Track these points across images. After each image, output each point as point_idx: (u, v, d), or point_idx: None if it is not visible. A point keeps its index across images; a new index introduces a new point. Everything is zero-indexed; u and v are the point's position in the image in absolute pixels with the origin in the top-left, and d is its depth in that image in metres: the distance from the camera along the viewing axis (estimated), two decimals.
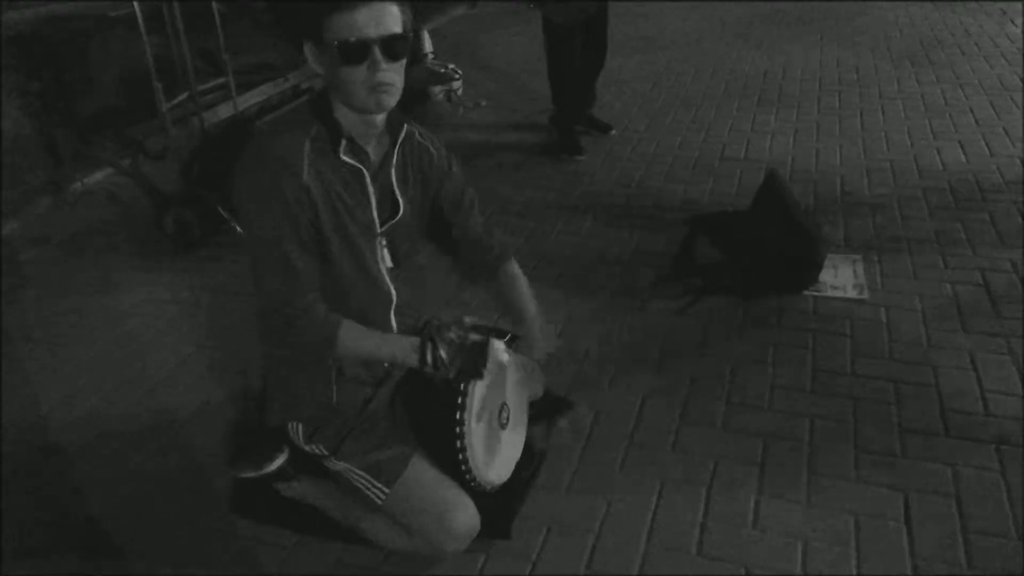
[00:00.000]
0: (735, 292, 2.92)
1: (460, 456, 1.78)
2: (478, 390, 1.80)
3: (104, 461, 2.33)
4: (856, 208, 3.51)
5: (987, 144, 4.06)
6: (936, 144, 4.11)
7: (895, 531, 1.93)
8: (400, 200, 1.76)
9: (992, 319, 2.70)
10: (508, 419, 1.95)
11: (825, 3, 7.13)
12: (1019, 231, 3.23)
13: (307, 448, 1.88)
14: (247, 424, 2.40)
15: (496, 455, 1.89)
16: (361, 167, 1.67)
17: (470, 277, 2.07)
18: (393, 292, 1.85)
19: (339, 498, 1.97)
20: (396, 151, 1.72)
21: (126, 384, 2.66)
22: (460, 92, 5.14)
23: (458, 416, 1.77)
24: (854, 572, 1.84)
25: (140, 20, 3.92)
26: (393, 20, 1.52)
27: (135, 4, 3.90)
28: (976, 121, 4.36)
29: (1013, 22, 6.21)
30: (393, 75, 1.54)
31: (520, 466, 2.02)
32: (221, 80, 4.73)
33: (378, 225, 1.75)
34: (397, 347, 1.73)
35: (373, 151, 1.69)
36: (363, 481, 1.82)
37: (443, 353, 1.69)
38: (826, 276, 2.96)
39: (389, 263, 1.81)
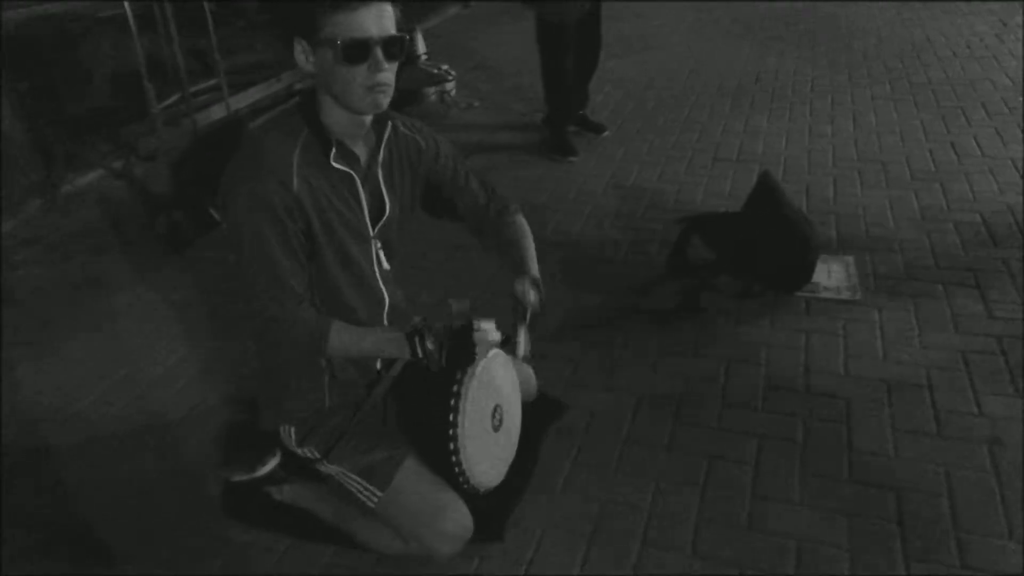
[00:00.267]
0: (728, 293, 2.92)
1: (453, 458, 1.77)
2: (472, 392, 1.79)
3: (95, 463, 2.32)
4: (849, 209, 3.51)
5: (978, 144, 4.08)
6: (928, 145, 4.12)
7: (888, 531, 1.94)
8: (387, 199, 1.75)
9: (984, 319, 2.71)
10: (501, 421, 1.94)
11: (819, 5, 7.15)
12: (1012, 233, 3.24)
13: (299, 451, 1.87)
14: (239, 427, 2.39)
15: (489, 457, 1.88)
16: (351, 172, 1.66)
17: (485, 244, 2.02)
18: (386, 295, 1.85)
19: (331, 501, 1.96)
20: (383, 149, 1.72)
21: (117, 386, 2.64)
22: (453, 93, 5.14)
23: (451, 418, 1.76)
24: (847, 572, 1.84)
25: (131, 20, 3.91)
26: (390, 21, 1.52)
27: (126, 4, 3.88)
28: (968, 122, 4.38)
29: (1004, 23, 6.23)
30: (390, 75, 1.54)
31: (514, 468, 2.01)
32: (213, 81, 4.71)
33: (371, 229, 1.74)
34: (388, 342, 1.70)
35: (361, 152, 1.69)
36: (356, 484, 1.82)
37: (430, 343, 1.66)
38: (819, 277, 2.96)
39: (386, 265, 1.81)
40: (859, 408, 2.34)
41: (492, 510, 1.92)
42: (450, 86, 5.09)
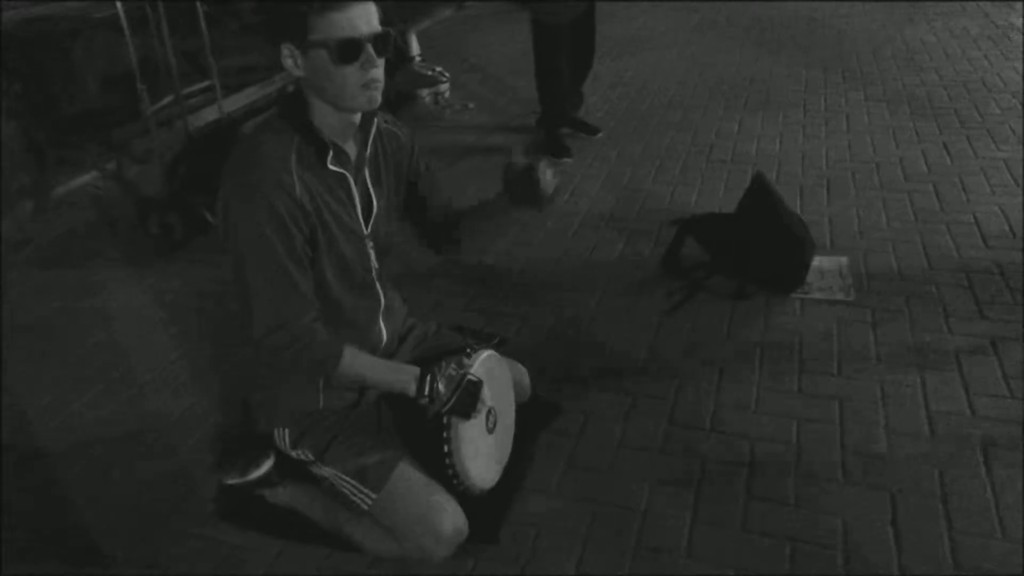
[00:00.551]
0: (722, 294, 2.93)
1: (447, 460, 1.77)
2: None
3: (88, 466, 2.31)
4: (843, 210, 3.52)
5: (971, 146, 4.09)
6: (921, 147, 4.13)
7: (882, 531, 1.94)
8: (373, 196, 1.76)
9: (977, 320, 2.71)
10: (495, 423, 1.94)
11: (811, 6, 7.17)
12: (1004, 234, 3.25)
13: (293, 454, 1.87)
14: (233, 430, 2.38)
15: (484, 458, 1.89)
16: (345, 172, 1.67)
17: (437, 247, 2.04)
18: (382, 295, 1.85)
19: (325, 504, 1.95)
20: (370, 145, 1.72)
21: (110, 389, 2.63)
22: (447, 95, 5.13)
23: (445, 420, 1.77)
24: (841, 572, 1.85)
25: (124, 21, 3.89)
26: (376, 17, 1.53)
27: (118, 5, 3.87)
28: (961, 124, 4.39)
29: (996, 25, 6.26)
30: (381, 71, 1.55)
31: (508, 469, 2.01)
32: (207, 83, 4.70)
33: (364, 228, 1.74)
34: (396, 376, 1.75)
35: (351, 151, 1.70)
36: (350, 486, 1.81)
37: (441, 387, 1.72)
38: (813, 278, 2.97)
39: (376, 264, 1.81)
40: (853, 409, 2.35)
41: (487, 511, 1.92)
42: (444, 88, 5.08)
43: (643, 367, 2.60)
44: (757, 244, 2.91)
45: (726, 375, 2.53)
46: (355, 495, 1.81)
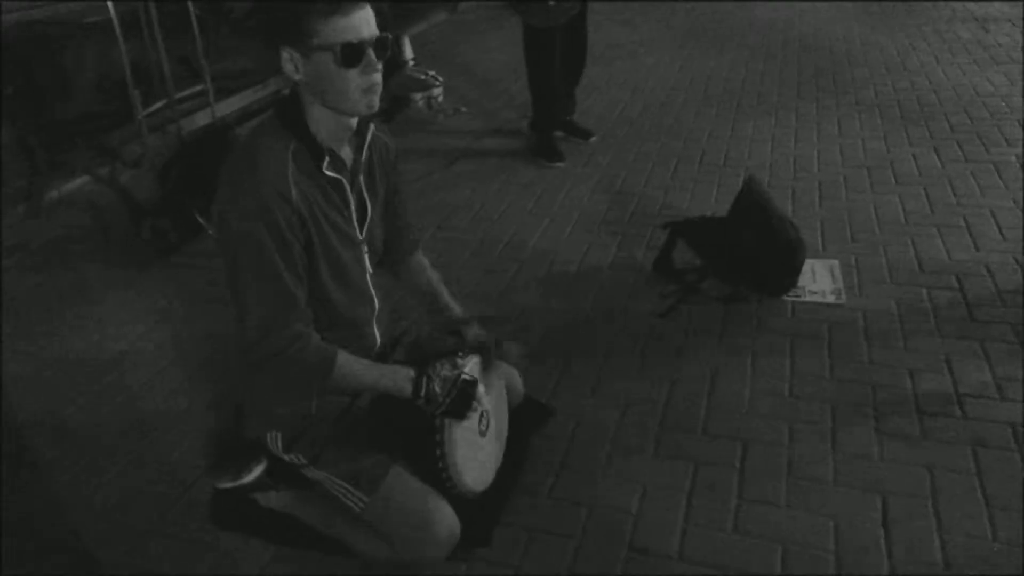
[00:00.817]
0: (714, 297, 2.94)
1: (440, 463, 1.78)
2: None
3: (81, 470, 2.30)
4: (834, 213, 3.54)
5: (961, 149, 4.12)
6: (912, 150, 4.15)
7: (873, 532, 1.95)
8: (367, 201, 1.77)
9: (967, 322, 2.73)
10: (488, 426, 1.94)
11: (804, 14, 7.20)
12: (994, 237, 3.27)
13: (286, 458, 1.87)
14: (225, 434, 2.38)
15: (476, 462, 1.89)
16: (341, 178, 1.67)
17: (385, 264, 2.02)
18: (376, 299, 1.86)
19: (318, 508, 1.96)
20: (365, 150, 1.73)
21: (102, 393, 2.63)
22: (440, 98, 5.14)
23: (437, 423, 1.77)
24: (832, 574, 1.85)
25: (116, 25, 3.89)
26: (375, 22, 1.55)
27: (111, 9, 3.86)
28: (951, 127, 4.42)
29: (986, 30, 6.30)
30: (380, 75, 1.57)
31: (500, 473, 2.01)
32: (199, 87, 4.70)
33: (359, 232, 1.75)
34: (391, 379, 1.74)
35: (346, 156, 1.70)
36: (342, 490, 1.81)
37: (437, 388, 1.72)
38: (805, 281, 2.98)
39: (370, 269, 1.82)
40: (844, 411, 2.36)
41: (479, 515, 1.92)
42: (437, 92, 5.09)
43: (635, 370, 2.60)
44: (749, 247, 2.92)
45: (718, 378, 2.54)
46: (348, 498, 1.81)
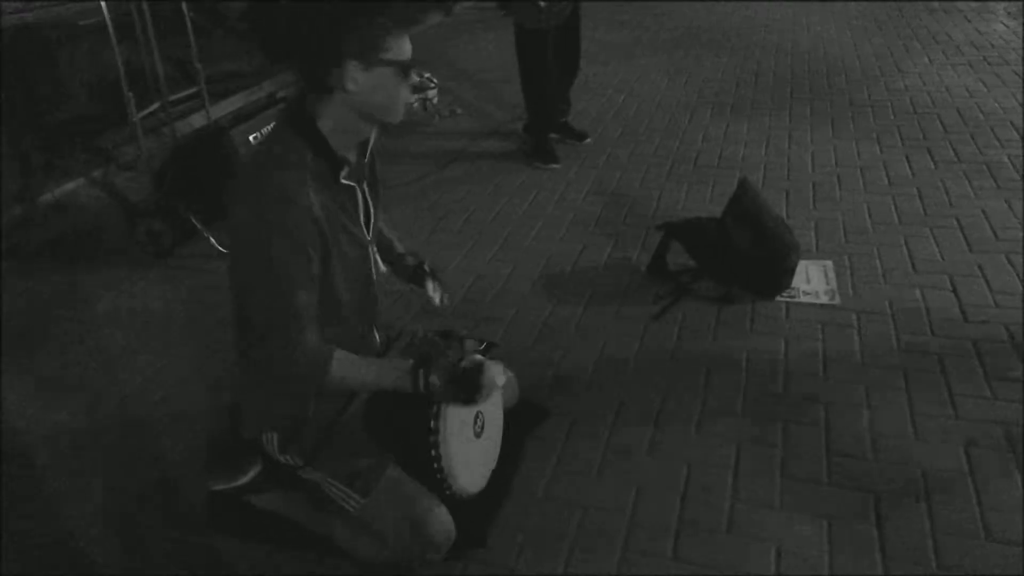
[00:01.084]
0: (709, 298, 2.95)
1: (435, 465, 1.78)
2: None
3: (75, 473, 2.30)
4: (828, 214, 3.55)
5: (954, 150, 4.13)
6: (905, 151, 4.17)
7: (866, 533, 1.95)
8: (371, 203, 1.78)
9: (960, 323, 2.74)
10: (483, 427, 1.95)
11: (796, 9, 7.22)
12: (987, 237, 3.28)
13: (281, 458, 1.87)
14: (220, 436, 2.37)
15: (471, 463, 1.89)
16: (355, 185, 1.69)
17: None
18: (378, 300, 1.87)
19: (313, 509, 1.95)
20: (367, 156, 1.74)
21: (97, 396, 2.62)
22: (435, 100, 5.15)
23: (432, 424, 1.77)
24: (826, 573, 1.86)
25: (110, 28, 3.88)
26: None
27: (104, 10, 3.85)
28: (944, 128, 4.43)
29: (979, 31, 6.32)
30: None
31: (496, 474, 2.01)
32: (194, 89, 4.69)
33: (367, 235, 1.77)
34: (389, 375, 1.69)
35: (353, 162, 1.71)
36: (338, 491, 1.81)
37: (436, 379, 1.67)
38: (798, 282, 2.99)
39: (382, 268, 1.84)
40: (838, 411, 2.37)
41: (474, 516, 1.92)
42: (432, 94, 5.10)
43: (630, 371, 2.61)
44: (743, 249, 2.93)
45: (712, 379, 2.54)
46: (343, 499, 1.81)
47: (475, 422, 1.91)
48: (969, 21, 6.63)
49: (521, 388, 2.26)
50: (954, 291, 2.91)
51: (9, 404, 2.61)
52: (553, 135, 4.44)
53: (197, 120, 4.71)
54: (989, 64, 5.48)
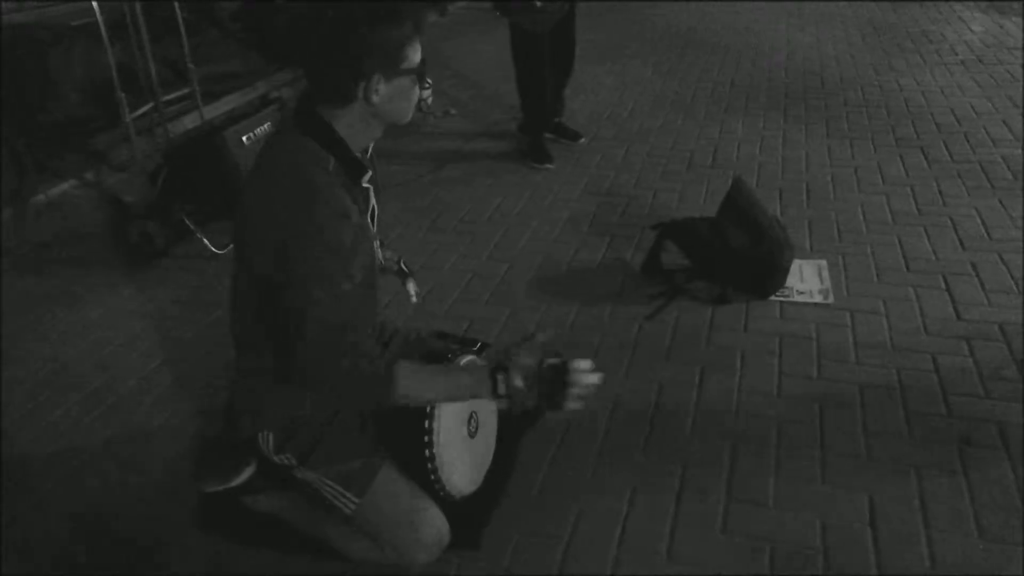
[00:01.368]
0: (703, 298, 2.95)
1: (429, 465, 1.78)
2: None
3: (68, 475, 2.29)
4: (822, 213, 3.55)
5: (948, 150, 4.14)
6: (899, 151, 4.18)
7: (861, 533, 1.96)
8: (374, 200, 1.79)
9: (953, 322, 2.75)
10: (477, 428, 1.94)
11: (791, 8, 7.23)
12: (980, 236, 3.29)
13: (276, 458, 1.86)
14: (214, 437, 2.36)
15: (466, 464, 1.89)
16: (370, 186, 1.72)
17: None
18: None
19: (308, 510, 1.95)
20: (369, 152, 1.75)
21: (89, 398, 2.61)
22: (430, 101, 5.14)
23: (426, 425, 1.77)
24: (820, 573, 1.86)
25: (103, 28, 3.87)
26: None
27: (96, 11, 3.84)
28: (937, 128, 4.44)
29: (972, 30, 6.34)
30: None
31: (490, 475, 2.01)
32: (187, 90, 4.68)
33: (374, 229, 1.78)
34: (461, 381, 1.64)
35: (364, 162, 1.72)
36: (332, 491, 1.81)
37: (519, 382, 1.57)
38: (792, 281, 2.99)
39: (381, 259, 1.85)
40: (831, 411, 2.37)
41: (469, 517, 1.92)
42: (427, 94, 5.09)
43: (624, 371, 2.61)
44: (737, 248, 2.93)
45: (706, 379, 2.54)
46: (338, 500, 1.80)
47: (469, 422, 1.91)
48: (962, 20, 6.65)
49: None
50: (948, 290, 2.92)
51: (4, 405, 2.60)
52: (547, 135, 4.44)
53: (190, 121, 4.70)
54: (983, 63, 5.50)
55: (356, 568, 1.91)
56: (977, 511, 1.99)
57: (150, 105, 4.45)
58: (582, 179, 4.08)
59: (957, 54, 5.77)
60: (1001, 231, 3.30)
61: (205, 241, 3.40)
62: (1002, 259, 3.09)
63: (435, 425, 1.77)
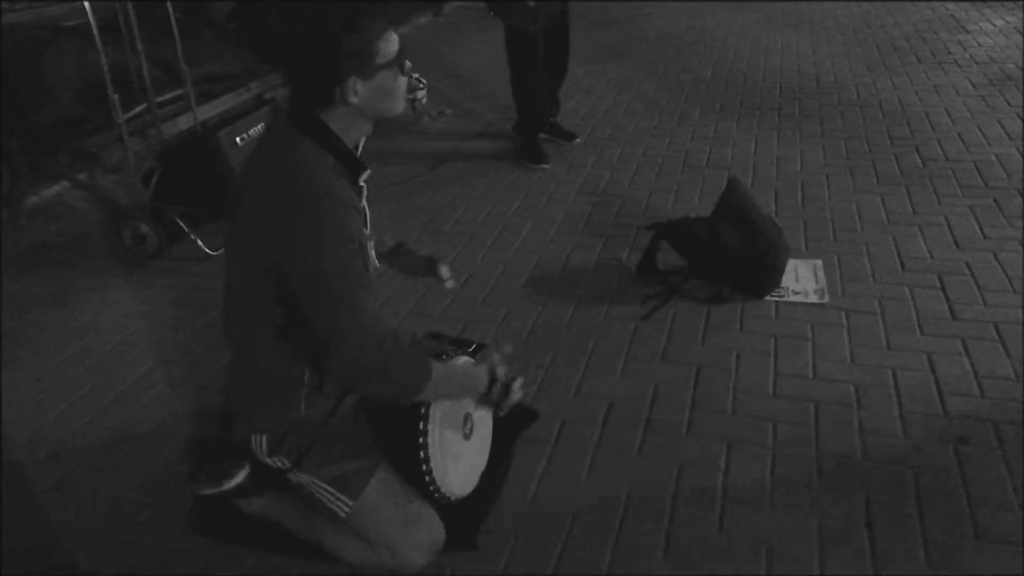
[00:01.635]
0: (698, 298, 2.94)
1: (424, 467, 1.77)
2: (440, 401, 1.78)
3: (62, 477, 2.28)
4: (817, 213, 3.55)
5: (943, 149, 4.14)
6: (894, 150, 4.18)
7: (857, 533, 1.95)
8: (365, 200, 1.78)
9: (948, 321, 2.75)
10: (472, 429, 1.94)
11: (786, 8, 7.24)
12: (975, 236, 3.29)
13: (270, 461, 1.85)
14: (207, 440, 2.36)
15: (460, 466, 1.88)
16: (364, 184, 1.71)
17: None
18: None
19: (301, 513, 1.94)
20: (359, 151, 1.74)
21: (84, 400, 2.60)
22: (425, 101, 5.13)
23: (421, 427, 1.76)
24: (817, 574, 1.86)
25: (95, 29, 3.85)
26: None
27: (88, 11, 3.82)
28: (932, 127, 4.45)
29: (966, 30, 6.35)
30: None
31: (485, 476, 2.00)
32: (180, 91, 4.66)
33: (368, 228, 1.77)
34: (470, 374, 1.79)
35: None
36: (327, 494, 1.80)
37: (501, 376, 1.77)
38: (788, 281, 2.99)
39: (377, 264, 1.84)
40: (827, 411, 2.37)
41: (464, 519, 1.91)
42: (421, 94, 5.08)
43: (619, 371, 2.60)
44: (732, 248, 2.93)
45: (702, 379, 2.54)
46: (332, 503, 1.79)
47: (464, 423, 1.90)
48: (957, 21, 6.66)
49: None
50: (942, 289, 2.92)
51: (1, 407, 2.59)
52: (543, 135, 4.44)
53: (184, 122, 4.69)
54: (977, 63, 5.51)
55: (351, 571, 1.90)
56: (973, 511, 1.99)
57: (143, 106, 4.43)
58: (577, 179, 4.08)
59: (951, 54, 5.77)
60: (996, 230, 3.31)
61: (199, 242, 3.39)
62: (997, 258, 3.09)
63: (430, 427, 1.76)
